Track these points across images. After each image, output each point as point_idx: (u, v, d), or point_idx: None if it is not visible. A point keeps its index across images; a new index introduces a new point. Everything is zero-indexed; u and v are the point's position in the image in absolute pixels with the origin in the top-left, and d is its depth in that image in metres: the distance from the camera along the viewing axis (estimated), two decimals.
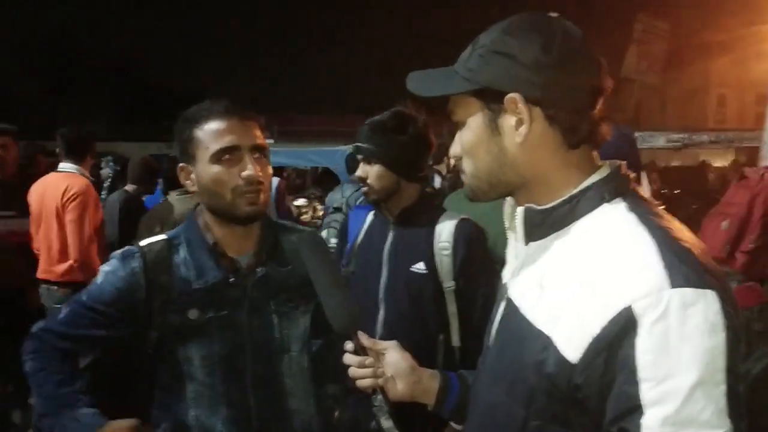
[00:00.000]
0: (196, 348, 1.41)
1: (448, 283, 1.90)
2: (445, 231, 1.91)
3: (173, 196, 3.80)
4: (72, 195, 3.48)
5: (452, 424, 1.89)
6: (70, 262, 3.48)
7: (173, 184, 3.85)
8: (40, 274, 3.59)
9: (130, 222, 3.83)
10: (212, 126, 1.38)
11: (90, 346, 1.50)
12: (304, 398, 1.53)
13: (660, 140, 8.85)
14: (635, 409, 0.73)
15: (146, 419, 1.48)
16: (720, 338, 0.73)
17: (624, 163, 0.94)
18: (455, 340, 1.92)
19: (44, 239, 3.56)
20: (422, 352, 1.26)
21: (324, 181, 7.61)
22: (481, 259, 1.93)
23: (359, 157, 1.98)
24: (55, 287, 3.54)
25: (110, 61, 38.84)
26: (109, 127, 24.68)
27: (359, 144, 1.96)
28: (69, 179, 3.58)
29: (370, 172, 1.94)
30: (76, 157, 3.68)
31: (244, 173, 1.36)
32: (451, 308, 1.91)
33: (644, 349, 0.73)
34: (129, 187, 4.46)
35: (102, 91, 34.73)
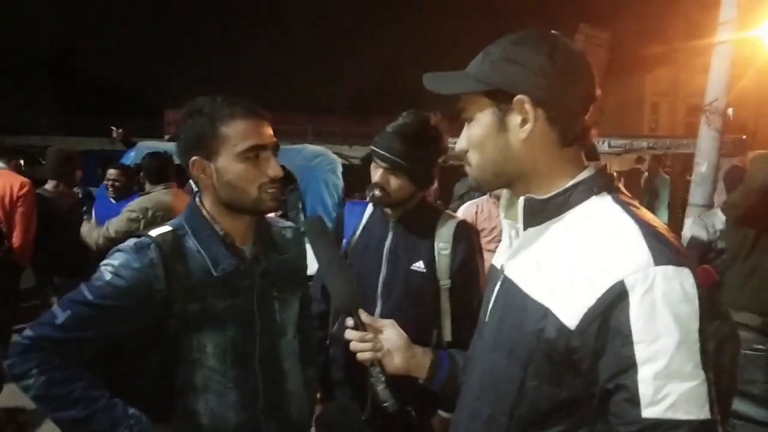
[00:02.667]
0: (211, 335, 1.44)
1: (444, 281, 1.96)
2: (445, 232, 1.98)
3: (160, 190, 3.91)
4: (27, 189, 3.93)
5: (440, 412, 2.00)
6: (10, 245, 3.93)
7: (158, 178, 3.97)
8: None
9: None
10: (239, 125, 1.42)
11: (97, 345, 1.40)
12: (297, 380, 1.62)
13: (603, 146, 9.28)
14: (631, 366, 0.87)
15: (156, 414, 1.42)
16: (694, 306, 0.89)
17: (606, 163, 1.08)
18: (447, 334, 1.99)
19: None
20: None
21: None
22: (476, 260, 2.01)
23: (382, 164, 1.93)
24: None
25: (49, 53, 37.28)
26: (49, 121, 23.71)
27: (387, 155, 1.90)
28: (18, 177, 4.04)
29: (392, 182, 1.92)
30: (6, 159, 4.22)
31: (271, 172, 1.44)
32: (445, 305, 1.98)
33: (636, 316, 0.87)
34: (48, 185, 4.38)
35: (41, 84, 33.33)
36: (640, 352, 0.87)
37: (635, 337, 0.87)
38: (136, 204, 3.81)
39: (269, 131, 1.48)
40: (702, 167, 5.55)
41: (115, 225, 3.78)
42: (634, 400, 0.87)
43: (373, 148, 1.96)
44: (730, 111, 5.57)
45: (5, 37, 33.44)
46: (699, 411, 0.86)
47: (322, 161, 6.32)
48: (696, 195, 5.59)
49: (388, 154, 1.91)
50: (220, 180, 1.45)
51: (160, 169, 4.02)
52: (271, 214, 1.79)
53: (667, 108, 27.00)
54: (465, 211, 3.90)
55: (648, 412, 0.86)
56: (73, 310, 1.36)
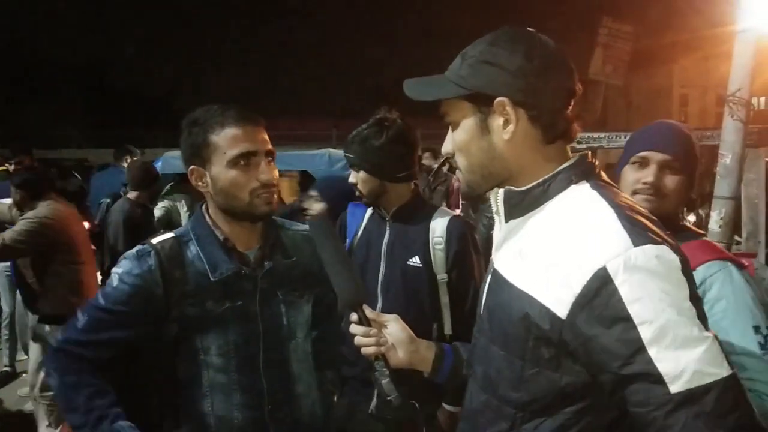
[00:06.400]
0: (213, 337, 1.48)
1: (441, 276, 2.03)
2: (438, 227, 2.04)
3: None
4: None
5: (445, 405, 2.05)
6: None
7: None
8: None
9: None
10: (229, 132, 1.45)
11: (114, 349, 1.51)
12: (308, 382, 1.63)
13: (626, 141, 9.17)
14: (639, 349, 0.88)
15: (159, 418, 1.53)
16: (679, 276, 0.91)
17: (589, 152, 1.09)
18: (447, 328, 2.05)
19: None
20: None
21: (305, 184, 7.67)
22: (471, 253, 2.06)
23: (349, 166, 2.13)
24: None
25: (78, 67, 38.21)
26: (81, 134, 24.28)
27: (346, 154, 2.11)
28: None
29: (357, 178, 2.09)
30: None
31: (262, 177, 1.46)
32: (444, 299, 2.04)
33: (629, 299, 0.88)
34: (131, 195, 4.51)
35: (72, 98, 34.12)
36: (645, 332, 0.87)
37: (636, 320, 0.87)
38: None
39: (261, 137, 1.49)
40: (726, 159, 5.46)
41: None
42: (659, 380, 0.86)
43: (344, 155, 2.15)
44: (757, 100, 5.47)
45: (36, 54, 34.39)
46: (720, 368, 0.86)
47: (344, 165, 6.41)
48: (721, 187, 5.52)
49: (347, 154, 2.10)
50: (215, 187, 1.49)
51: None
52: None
53: (697, 99, 26.36)
54: None
55: (676, 387, 0.86)
56: (89, 314, 1.49)
